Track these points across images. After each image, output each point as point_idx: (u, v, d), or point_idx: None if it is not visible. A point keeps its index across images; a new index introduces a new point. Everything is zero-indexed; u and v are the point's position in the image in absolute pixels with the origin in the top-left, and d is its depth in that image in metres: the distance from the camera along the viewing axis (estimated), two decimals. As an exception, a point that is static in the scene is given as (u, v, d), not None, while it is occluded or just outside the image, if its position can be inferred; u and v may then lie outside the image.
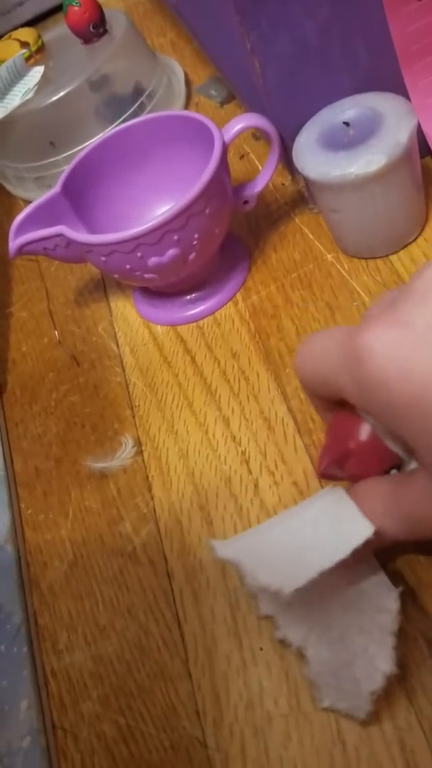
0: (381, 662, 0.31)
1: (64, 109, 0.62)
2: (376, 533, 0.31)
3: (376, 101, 0.44)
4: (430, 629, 0.33)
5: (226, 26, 0.46)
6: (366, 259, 0.48)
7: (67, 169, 0.51)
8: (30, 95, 0.61)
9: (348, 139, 0.43)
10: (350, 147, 0.42)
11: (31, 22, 0.90)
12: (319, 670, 0.32)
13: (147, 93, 0.64)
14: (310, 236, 0.51)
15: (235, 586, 0.38)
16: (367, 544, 0.31)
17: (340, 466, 0.33)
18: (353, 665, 0.32)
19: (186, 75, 0.70)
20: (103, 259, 0.46)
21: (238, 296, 0.50)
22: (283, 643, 0.34)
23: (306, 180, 0.46)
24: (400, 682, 0.32)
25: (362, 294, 0.46)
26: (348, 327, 0.29)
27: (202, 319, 0.50)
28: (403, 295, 0.27)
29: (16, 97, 0.61)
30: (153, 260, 0.44)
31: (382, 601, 0.33)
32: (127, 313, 0.54)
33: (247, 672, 0.35)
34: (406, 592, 0.34)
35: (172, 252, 0.44)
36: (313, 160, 0.43)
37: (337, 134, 0.44)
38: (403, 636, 0.33)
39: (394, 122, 0.42)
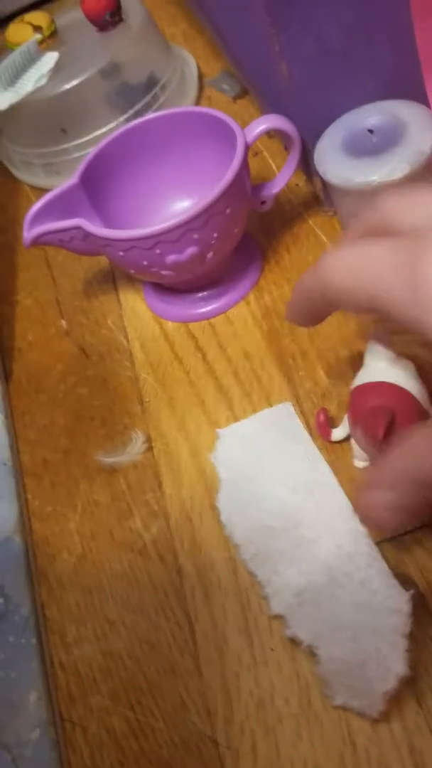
0: (393, 663, 0.32)
1: (76, 96, 0.61)
2: None
3: (398, 109, 0.44)
4: (441, 636, 0.34)
5: (252, 25, 0.46)
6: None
7: (85, 159, 0.51)
8: (43, 81, 0.61)
9: (372, 146, 0.43)
10: (374, 154, 0.42)
11: (39, 3, 0.88)
12: (331, 669, 0.33)
13: (161, 84, 0.64)
14: (324, 239, 0.51)
15: (246, 585, 0.38)
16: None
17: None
18: (365, 665, 0.33)
19: (198, 67, 0.70)
20: (121, 254, 0.46)
21: (251, 296, 0.51)
22: (294, 641, 0.35)
23: (325, 184, 0.46)
24: (409, 686, 0.33)
25: (376, 299, 0.46)
26: (396, 242, 0.28)
27: (214, 317, 0.51)
28: None
29: (29, 83, 0.61)
30: (171, 257, 0.45)
31: (393, 602, 0.34)
32: (137, 307, 0.54)
33: (258, 671, 0.36)
34: (417, 597, 0.35)
35: (191, 250, 0.44)
36: (336, 164, 0.43)
37: (360, 140, 0.44)
38: (413, 640, 0.33)
39: (417, 131, 0.42)
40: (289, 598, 0.35)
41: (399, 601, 0.33)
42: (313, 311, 0.33)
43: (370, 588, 0.34)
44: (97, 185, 0.51)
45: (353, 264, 0.29)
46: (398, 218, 0.29)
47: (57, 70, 0.62)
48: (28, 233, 0.48)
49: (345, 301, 0.30)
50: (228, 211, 0.44)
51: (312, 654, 0.34)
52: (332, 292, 0.30)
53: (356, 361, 0.44)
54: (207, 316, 0.51)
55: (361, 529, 0.36)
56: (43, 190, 0.67)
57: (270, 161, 0.59)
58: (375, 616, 0.33)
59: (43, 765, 0.36)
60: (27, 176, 0.68)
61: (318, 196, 0.53)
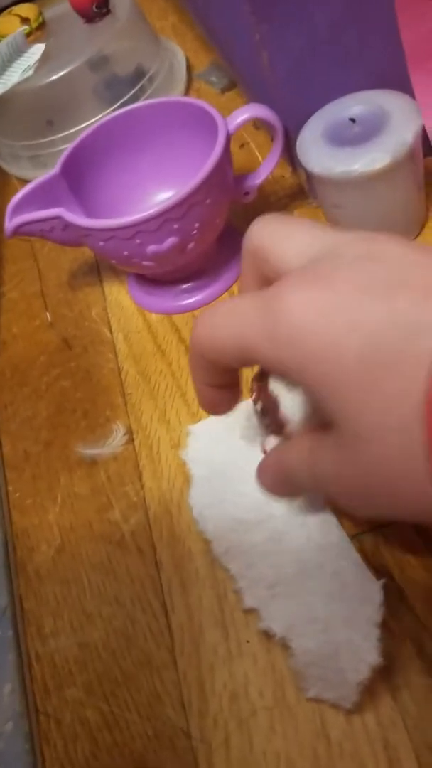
0: (366, 654, 0.32)
1: (63, 88, 0.61)
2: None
3: (382, 99, 0.44)
4: (417, 629, 0.34)
5: (234, 15, 0.46)
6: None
7: (67, 149, 0.50)
8: (30, 73, 0.60)
9: (353, 135, 0.43)
10: (355, 143, 0.42)
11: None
12: (305, 661, 0.33)
13: (148, 76, 0.64)
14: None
15: (223, 577, 0.38)
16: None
17: None
18: (338, 656, 0.32)
19: (187, 60, 0.69)
20: (101, 244, 0.45)
21: (234, 288, 0.50)
22: (267, 634, 0.35)
23: (308, 174, 0.46)
24: (384, 680, 0.33)
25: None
26: (258, 291, 0.28)
27: (197, 309, 0.50)
28: (326, 259, 0.26)
29: (15, 74, 0.60)
30: (151, 248, 0.44)
31: (365, 592, 0.33)
32: (121, 299, 0.54)
33: (233, 663, 0.35)
34: (394, 589, 0.35)
35: (171, 240, 0.44)
36: (317, 154, 0.43)
37: (342, 130, 0.43)
38: (389, 634, 0.33)
39: (401, 121, 0.42)
40: (261, 591, 0.35)
41: (370, 590, 0.33)
42: (213, 382, 0.32)
43: (342, 579, 0.34)
44: (79, 175, 0.50)
45: (223, 319, 0.28)
46: (272, 247, 0.29)
47: (44, 62, 0.62)
48: (9, 223, 0.48)
49: (222, 359, 0.29)
50: (209, 201, 0.44)
51: (286, 647, 0.34)
52: (202, 348, 0.30)
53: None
54: (190, 308, 0.50)
55: (333, 520, 0.36)
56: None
57: (256, 152, 0.58)
58: (347, 606, 0.33)
59: (16, 757, 0.36)
60: (14, 168, 0.68)
61: (303, 187, 0.52)
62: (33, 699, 0.38)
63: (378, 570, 0.35)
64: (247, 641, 0.36)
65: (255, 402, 0.33)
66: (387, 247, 0.25)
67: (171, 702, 0.36)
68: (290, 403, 0.32)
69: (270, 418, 0.33)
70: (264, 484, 0.34)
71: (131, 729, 0.35)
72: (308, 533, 0.36)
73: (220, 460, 0.40)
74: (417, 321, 0.23)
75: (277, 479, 0.33)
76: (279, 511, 0.37)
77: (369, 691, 0.32)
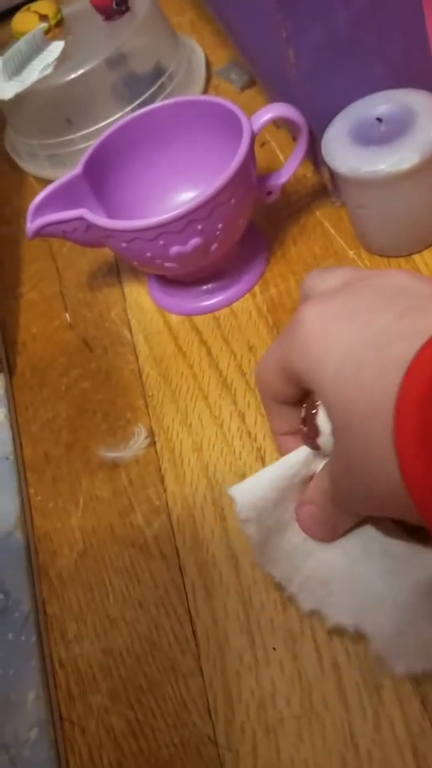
0: None
1: (82, 86, 0.60)
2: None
3: (408, 98, 0.43)
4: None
5: (258, 11, 0.45)
6: (388, 257, 0.47)
7: (88, 149, 0.50)
8: (49, 71, 0.60)
9: (380, 135, 0.42)
10: (382, 143, 0.41)
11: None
12: (384, 641, 0.32)
13: (167, 74, 0.63)
14: (332, 230, 0.50)
15: (248, 583, 0.38)
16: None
17: None
18: (417, 625, 0.32)
19: (206, 57, 0.69)
20: (124, 245, 0.45)
21: (256, 289, 0.50)
22: (338, 630, 0.34)
23: (332, 173, 0.45)
24: (414, 688, 0.32)
25: (384, 292, 0.46)
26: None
27: (219, 310, 0.50)
28: (341, 287, 0.31)
29: (34, 72, 0.60)
30: (175, 249, 0.44)
31: (418, 560, 0.33)
32: (141, 300, 0.53)
33: (260, 671, 0.35)
34: None
35: (194, 241, 0.44)
36: (343, 154, 0.42)
37: (368, 129, 0.43)
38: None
39: (427, 120, 0.41)
40: (317, 591, 0.34)
41: (420, 557, 0.33)
42: (287, 428, 0.35)
43: (392, 554, 0.33)
44: (100, 176, 0.50)
45: (270, 357, 0.33)
46: (313, 286, 0.33)
47: (63, 60, 0.62)
48: (31, 224, 0.48)
49: (278, 388, 0.33)
50: (233, 201, 0.43)
51: (361, 635, 0.33)
52: (265, 388, 0.34)
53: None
54: (211, 309, 0.50)
55: None
56: (49, 182, 0.66)
57: (277, 151, 0.58)
58: (404, 577, 0.33)
59: (42, 765, 0.36)
60: (32, 167, 0.68)
61: (326, 187, 0.52)
62: (57, 706, 0.38)
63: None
64: (274, 648, 0.35)
65: (302, 412, 0.34)
66: (389, 277, 0.30)
67: (197, 709, 0.35)
68: (324, 417, 0.32)
69: (308, 428, 0.33)
70: (306, 531, 0.35)
71: (157, 737, 0.35)
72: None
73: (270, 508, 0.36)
74: (388, 336, 0.27)
75: (313, 520, 0.34)
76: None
77: (398, 699, 0.32)
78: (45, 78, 0.60)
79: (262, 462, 0.42)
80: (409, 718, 0.32)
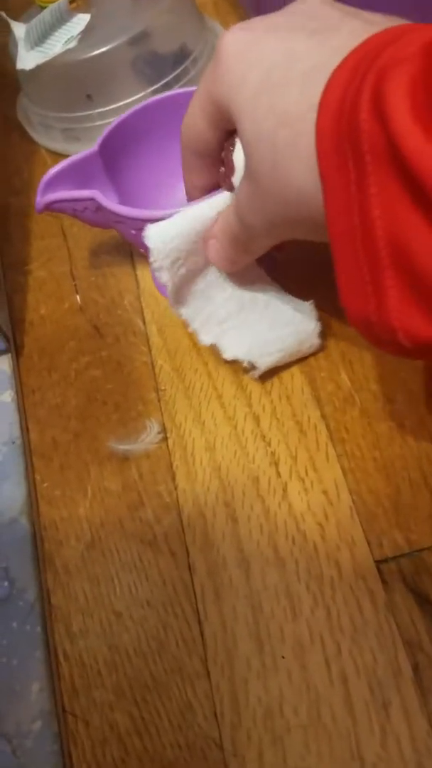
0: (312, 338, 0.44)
1: (105, 63, 0.59)
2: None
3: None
4: None
5: None
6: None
7: (106, 129, 0.49)
8: (73, 44, 0.58)
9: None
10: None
11: None
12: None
13: (192, 58, 0.62)
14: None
15: (258, 589, 0.38)
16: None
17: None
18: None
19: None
20: (134, 232, 0.44)
21: (275, 288, 0.49)
22: (236, 362, 0.44)
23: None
24: (422, 706, 0.33)
25: (404, 305, 0.46)
26: None
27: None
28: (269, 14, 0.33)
29: (57, 44, 0.58)
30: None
31: (299, 310, 0.44)
32: (155, 289, 0.53)
33: (268, 678, 0.36)
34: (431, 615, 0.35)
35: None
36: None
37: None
38: (426, 659, 0.33)
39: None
40: (215, 328, 0.43)
41: (302, 306, 0.43)
42: (204, 181, 0.39)
43: (275, 307, 0.43)
44: (115, 156, 0.49)
45: (192, 103, 0.36)
46: None
47: (86, 33, 0.60)
48: (41, 198, 0.47)
49: (202, 135, 0.36)
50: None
51: (253, 367, 0.43)
52: (191, 141, 0.38)
53: (382, 366, 0.43)
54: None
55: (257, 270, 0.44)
56: (61, 155, 0.65)
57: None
58: (289, 325, 0.43)
59: (44, 757, 0.36)
60: (45, 139, 0.66)
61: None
62: (60, 699, 0.38)
63: (418, 595, 0.36)
64: (283, 657, 0.36)
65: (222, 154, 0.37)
66: (303, 5, 0.32)
67: (203, 712, 0.36)
68: (241, 154, 0.35)
69: (225, 167, 0.36)
70: (212, 259, 0.40)
71: (162, 737, 0.36)
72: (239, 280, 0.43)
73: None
74: (309, 57, 0.29)
75: (217, 255, 0.39)
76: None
77: (405, 717, 0.33)
78: (68, 51, 0.59)
79: (276, 467, 0.42)
80: (416, 736, 0.32)
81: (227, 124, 0.34)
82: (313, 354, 0.45)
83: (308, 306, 0.44)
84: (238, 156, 0.35)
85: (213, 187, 0.40)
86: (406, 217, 0.24)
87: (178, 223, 0.38)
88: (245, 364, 0.43)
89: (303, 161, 0.29)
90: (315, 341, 0.44)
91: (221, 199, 0.38)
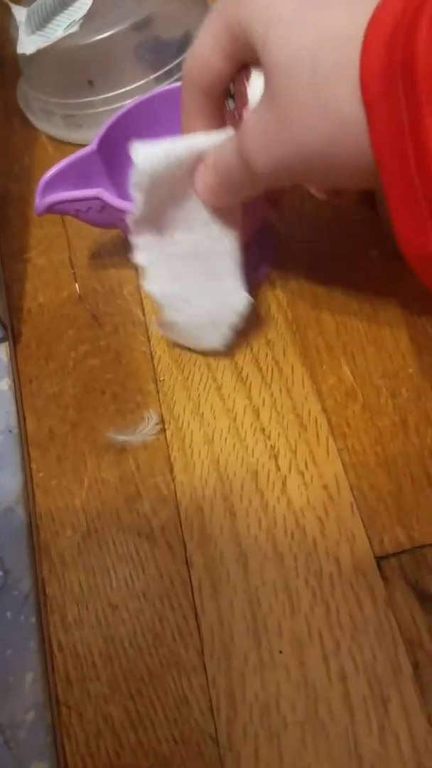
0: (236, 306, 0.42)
1: (107, 49, 0.58)
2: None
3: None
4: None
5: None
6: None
7: (104, 125, 0.48)
8: (75, 28, 0.57)
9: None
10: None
11: None
12: (180, 322, 0.42)
13: (196, 45, 0.61)
14: (359, 225, 0.50)
15: (256, 584, 0.38)
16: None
17: None
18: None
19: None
20: None
21: (277, 281, 0.49)
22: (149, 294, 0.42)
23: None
24: (421, 705, 0.33)
25: (407, 297, 0.45)
26: None
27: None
28: None
29: (59, 28, 0.58)
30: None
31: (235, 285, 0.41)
32: (155, 279, 0.52)
33: (265, 673, 0.35)
34: (433, 614, 0.35)
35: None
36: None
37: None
38: (426, 657, 0.33)
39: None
40: (154, 255, 0.40)
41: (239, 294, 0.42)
42: (205, 120, 0.36)
43: (218, 270, 0.41)
44: (114, 153, 0.48)
45: (213, 19, 0.33)
46: None
47: (89, 18, 0.59)
48: (41, 201, 0.46)
49: (218, 60, 0.33)
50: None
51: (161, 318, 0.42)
52: (200, 75, 0.34)
53: (386, 360, 0.43)
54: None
55: (233, 234, 0.40)
56: (62, 142, 0.64)
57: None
58: (221, 303, 0.41)
59: (37, 748, 0.35)
60: (46, 125, 0.65)
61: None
62: (54, 690, 0.37)
63: (419, 592, 0.35)
64: (280, 651, 0.36)
65: (231, 88, 0.35)
66: None
67: (199, 707, 0.35)
68: (257, 85, 0.33)
69: (236, 100, 0.34)
70: (197, 187, 0.37)
71: (157, 730, 0.35)
72: (209, 231, 0.40)
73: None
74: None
75: (204, 186, 0.37)
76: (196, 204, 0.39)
77: (405, 715, 0.33)
78: (69, 36, 0.58)
79: (276, 460, 0.41)
80: (416, 735, 0.32)
81: (244, 54, 0.31)
82: (316, 347, 0.45)
83: (244, 298, 0.42)
84: (254, 88, 0.32)
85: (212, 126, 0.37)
86: None
87: (170, 147, 0.36)
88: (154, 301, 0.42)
89: (350, 86, 0.26)
90: (223, 334, 0.43)
91: (224, 135, 0.35)
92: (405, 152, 0.25)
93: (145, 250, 0.41)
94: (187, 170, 0.37)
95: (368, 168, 0.28)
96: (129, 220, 0.39)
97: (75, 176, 0.47)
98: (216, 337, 0.43)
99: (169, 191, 0.38)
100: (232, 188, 0.36)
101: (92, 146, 0.47)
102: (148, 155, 0.36)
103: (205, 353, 0.46)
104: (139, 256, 0.41)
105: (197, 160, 0.37)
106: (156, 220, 0.39)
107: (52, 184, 0.46)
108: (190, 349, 0.47)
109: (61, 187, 0.46)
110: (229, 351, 0.46)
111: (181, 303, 0.42)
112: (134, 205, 0.38)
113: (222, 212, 0.39)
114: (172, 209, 0.39)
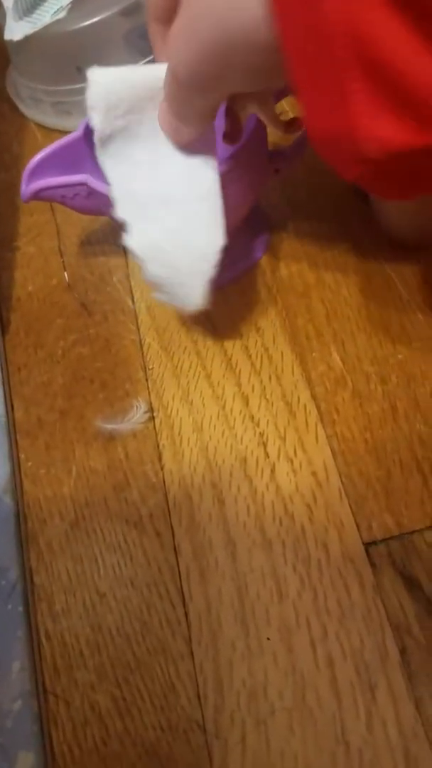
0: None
1: (96, 34, 0.58)
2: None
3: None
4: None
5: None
6: (410, 248, 0.46)
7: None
8: (62, 14, 0.57)
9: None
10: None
11: None
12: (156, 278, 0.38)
13: (186, 31, 0.60)
14: (350, 214, 0.49)
15: (244, 571, 0.37)
16: None
17: None
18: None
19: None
20: None
21: (267, 268, 0.49)
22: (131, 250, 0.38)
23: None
24: (409, 690, 0.33)
25: (398, 284, 0.45)
26: None
27: (217, 287, 0.49)
28: None
29: (46, 14, 0.57)
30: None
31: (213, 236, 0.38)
32: (145, 267, 0.52)
33: (253, 660, 0.35)
34: (424, 601, 0.34)
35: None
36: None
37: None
38: (415, 644, 0.33)
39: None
40: (134, 209, 0.38)
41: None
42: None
43: (198, 218, 0.38)
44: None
45: None
46: None
47: (77, 4, 0.58)
48: (27, 187, 0.45)
49: None
50: (241, 178, 0.41)
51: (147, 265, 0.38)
52: None
53: (376, 347, 0.43)
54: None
55: (213, 175, 0.38)
56: (51, 130, 0.64)
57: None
58: (199, 255, 0.38)
59: (24, 737, 0.35)
60: (35, 113, 0.65)
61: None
62: (42, 678, 0.37)
63: (407, 578, 0.35)
64: (268, 638, 0.35)
65: None
66: None
67: (186, 694, 0.35)
68: None
69: None
70: (158, 120, 0.36)
71: (144, 718, 0.35)
72: (188, 171, 0.38)
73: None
74: None
75: (162, 115, 0.36)
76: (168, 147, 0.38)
77: (392, 701, 0.32)
78: (57, 22, 0.57)
79: (264, 447, 0.41)
80: (403, 720, 0.32)
81: None
82: (306, 334, 0.45)
83: (219, 245, 0.39)
84: None
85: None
86: (364, 6, 0.22)
87: (125, 71, 0.36)
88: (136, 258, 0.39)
89: None
90: (201, 287, 0.39)
91: None
92: (307, 22, 0.23)
93: (119, 191, 0.39)
94: (149, 101, 0.36)
95: (267, 43, 0.26)
96: (96, 141, 0.38)
97: (62, 162, 0.46)
98: (196, 292, 0.40)
99: (132, 119, 0.37)
100: (180, 112, 0.35)
101: (79, 132, 0.47)
102: (101, 74, 0.36)
103: (194, 339, 0.46)
104: (121, 210, 0.39)
105: (160, 92, 0.36)
106: (125, 153, 0.38)
107: (39, 170, 0.46)
108: (181, 338, 0.46)
109: (47, 174, 0.46)
110: (218, 338, 0.46)
111: (160, 254, 0.39)
112: (95, 129, 0.37)
113: (193, 152, 0.38)
114: (141, 149, 0.38)
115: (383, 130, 0.23)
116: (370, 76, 0.23)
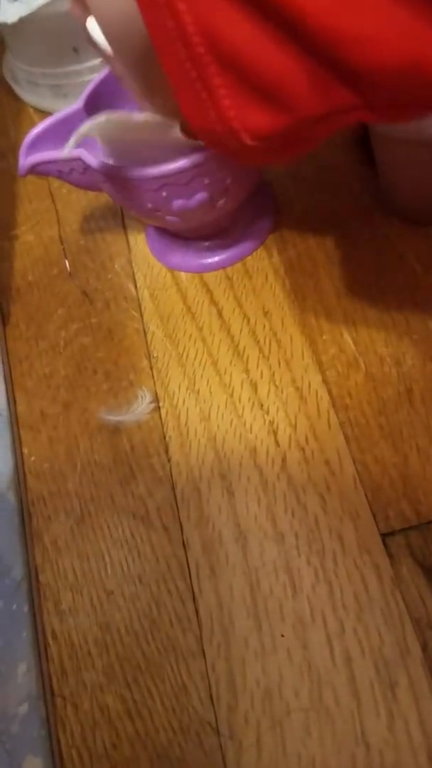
0: None
1: (92, 13, 0.56)
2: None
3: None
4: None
5: None
6: (422, 223, 0.44)
7: (90, 84, 0.46)
8: (57, -6, 0.55)
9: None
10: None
11: None
12: None
13: (184, 6, 0.58)
14: (359, 190, 0.47)
15: (256, 565, 0.36)
16: None
17: None
18: None
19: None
20: (123, 192, 0.41)
21: (274, 249, 0.47)
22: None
23: (368, 130, 0.42)
24: (431, 687, 0.31)
25: (411, 259, 0.43)
26: None
27: (220, 269, 0.47)
28: None
29: (41, -6, 0.55)
30: (178, 202, 0.40)
31: None
32: (147, 252, 0.50)
33: (266, 658, 0.34)
34: (442, 592, 0.33)
35: (200, 196, 0.40)
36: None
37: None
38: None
39: None
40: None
41: None
42: None
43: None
44: (100, 112, 0.46)
45: None
46: None
47: (72, -18, 0.57)
48: (24, 161, 0.44)
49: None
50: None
51: None
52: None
53: (389, 327, 0.41)
54: (213, 268, 0.47)
55: None
56: (49, 114, 0.62)
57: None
58: None
59: (31, 742, 0.34)
60: (32, 97, 0.63)
61: (347, 142, 0.48)
62: (49, 681, 0.36)
63: (427, 569, 0.33)
64: (282, 635, 0.34)
65: None
66: None
67: (198, 694, 0.34)
68: None
69: None
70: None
71: (155, 720, 0.34)
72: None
73: None
74: None
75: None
76: None
77: (414, 698, 0.31)
78: (52, 3, 0.55)
79: (275, 435, 0.39)
80: (426, 719, 0.30)
81: None
82: (315, 315, 0.43)
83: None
84: None
85: None
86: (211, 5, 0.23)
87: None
88: None
89: None
90: None
91: None
92: (167, 25, 0.24)
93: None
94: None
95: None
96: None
97: (61, 136, 0.45)
98: None
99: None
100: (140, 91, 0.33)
101: (78, 105, 0.45)
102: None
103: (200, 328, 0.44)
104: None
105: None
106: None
107: (37, 144, 0.44)
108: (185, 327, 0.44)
109: (46, 148, 0.44)
110: (224, 324, 0.44)
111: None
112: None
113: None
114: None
115: (251, 119, 0.25)
116: (227, 70, 0.24)
